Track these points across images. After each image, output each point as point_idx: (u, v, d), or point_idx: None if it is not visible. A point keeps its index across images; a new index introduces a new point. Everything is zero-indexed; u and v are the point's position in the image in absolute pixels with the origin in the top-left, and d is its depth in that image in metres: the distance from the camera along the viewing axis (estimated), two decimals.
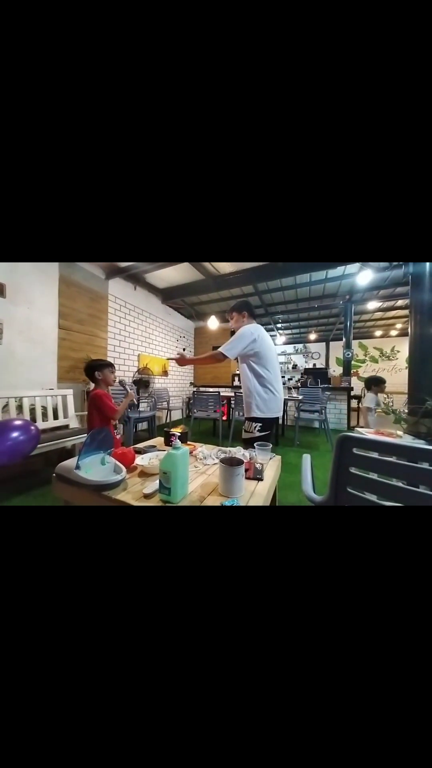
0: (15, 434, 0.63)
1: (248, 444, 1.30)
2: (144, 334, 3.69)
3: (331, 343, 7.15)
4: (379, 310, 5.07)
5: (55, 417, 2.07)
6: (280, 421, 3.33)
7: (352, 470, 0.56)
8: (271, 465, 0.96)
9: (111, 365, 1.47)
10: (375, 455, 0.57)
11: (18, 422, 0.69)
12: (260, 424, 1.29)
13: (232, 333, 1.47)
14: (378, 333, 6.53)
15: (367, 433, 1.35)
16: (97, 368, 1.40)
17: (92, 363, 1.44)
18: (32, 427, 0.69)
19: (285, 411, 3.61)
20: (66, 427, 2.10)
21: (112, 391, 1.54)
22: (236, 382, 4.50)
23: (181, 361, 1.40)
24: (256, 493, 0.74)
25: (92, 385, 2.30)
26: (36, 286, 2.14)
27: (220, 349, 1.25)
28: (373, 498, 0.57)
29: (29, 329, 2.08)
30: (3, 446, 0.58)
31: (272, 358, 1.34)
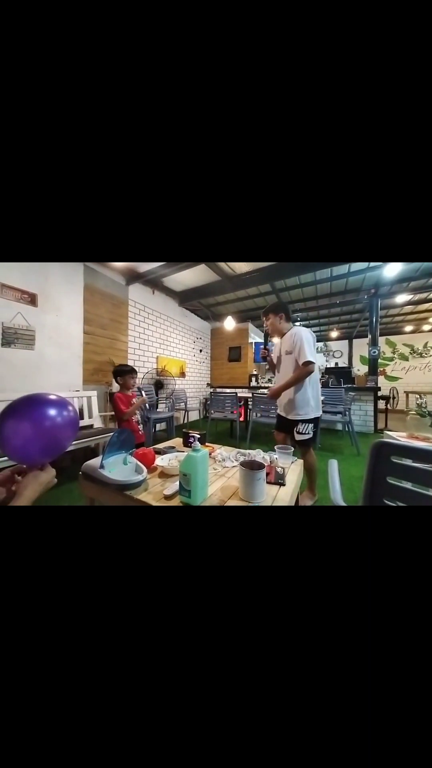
0: (53, 412, 0.41)
1: (303, 446, 1.35)
2: (162, 336, 3.78)
3: (354, 340, 6.76)
4: (410, 303, 4.69)
5: (81, 417, 2.19)
6: None
7: (390, 480, 0.51)
8: (293, 469, 0.92)
9: (132, 371, 1.63)
10: (409, 462, 0.51)
11: (53, 397, 0.43)
12: (313, 425, 1.32)
13: (266, 335, 1.52)
14: (408, 328, 6.04)
15: (400, 438, 1.24)
16: (119, 374, 1.60)
17: (115, 369, 1.63)
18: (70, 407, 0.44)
19: None
20: (90, 426, 2.21)
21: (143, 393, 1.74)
22: (253, 383, 4.43)
23: (276, 392, 1.37)
24: (278, 499, 0.71)
25: (114, 387, 2.59)
26: (63, 295, 2.28)
27: (306, 361, 1.24)
28: None
29: (57, 335, 2.23)
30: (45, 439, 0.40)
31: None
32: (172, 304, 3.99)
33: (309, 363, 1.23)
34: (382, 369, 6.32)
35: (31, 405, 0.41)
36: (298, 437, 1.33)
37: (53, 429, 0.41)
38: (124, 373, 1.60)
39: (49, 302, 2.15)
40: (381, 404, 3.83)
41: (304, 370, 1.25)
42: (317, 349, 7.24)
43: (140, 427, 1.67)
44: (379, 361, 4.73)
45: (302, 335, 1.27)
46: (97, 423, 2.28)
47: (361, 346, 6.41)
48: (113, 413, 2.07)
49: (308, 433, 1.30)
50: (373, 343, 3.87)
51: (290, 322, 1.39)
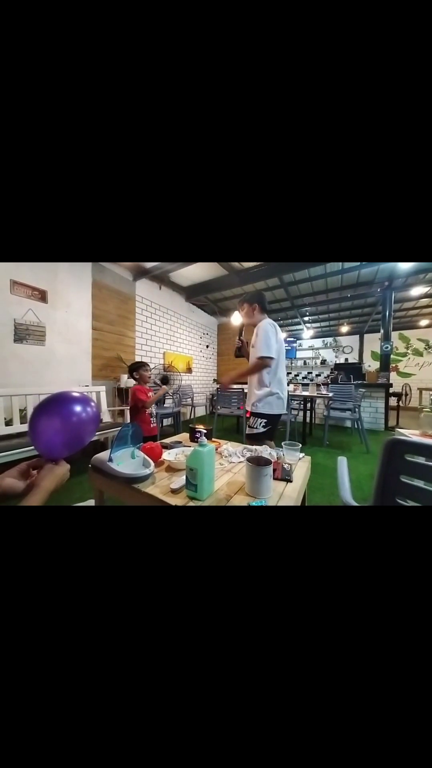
0: (78, 408, 0.44)
1: (252, 440, 1.31)
2: (169, 332, 3.79)
3: (366, 335, 6.56)
4: (426, 296, 4.48)
5: None
6: (308, 420, 3.17)
7: (403, 479, 0.49)
8: (300, 466, 0.91)
9: (146, 365, 1.77)
10: (423, 460, 0.49)
11: (76, 394, 0.46)
12: (264, 420, 1.29)
13: (241, 329, 1.52)
14: (424, 322, 5.80)
15: (412, 436, 1.20)
16: (134, 369, 1.74)
17: (131, 365, 1.75)
18: (93, 404, 0.47)
19: (313, 408, 3.43)
20: (100, 421, 2.26)
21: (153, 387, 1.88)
22: None
23: (225, 383, 1.43)
24: (285, 495, 0.70)
25: (122, 382, 2.68)
26: (72, 291, 2.32)
27: (260, 356, 1.22)
28: None
29: (67, 331, 2.27)
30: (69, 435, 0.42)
31: (282, 354, 1.32)
32: (179, 299, 3.98)
33: (262, 358, 1.21)
34: (394, 365, 6.12)
35: (61, 402, 0.44)
36: (247, 430, 1.32)
37: (78, 425, 0.44)
38: (139, 367, 1.73)
39: (58, 299, 2.19)
40: (393, 401, 3.72)
41: (256, 363, 1.24)
42: (326, 344, 7.10)
43: (153, 420, 1.73)
44: (392, 356, 4.57)
45: (262, 328, 1.24)
46: (106, 417, 2.33)
47: (373, 342, 6.22)
48: (128, 407, 2.02)
49: (257, 428, 1.28)
50: (386, 338, 3.74)
51: (265, 313, 1.35)
